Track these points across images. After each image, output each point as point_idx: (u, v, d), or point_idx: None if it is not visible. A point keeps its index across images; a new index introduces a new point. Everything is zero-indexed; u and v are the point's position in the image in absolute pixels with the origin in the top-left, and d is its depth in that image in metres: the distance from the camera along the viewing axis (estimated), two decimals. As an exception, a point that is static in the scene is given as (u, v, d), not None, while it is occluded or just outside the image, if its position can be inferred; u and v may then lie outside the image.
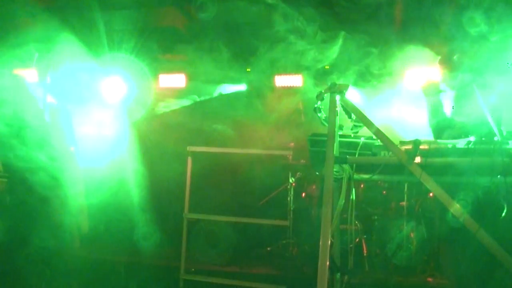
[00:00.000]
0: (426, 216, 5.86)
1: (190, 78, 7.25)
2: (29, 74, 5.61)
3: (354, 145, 3.46)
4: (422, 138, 3.17)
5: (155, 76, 7.14)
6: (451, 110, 3.83)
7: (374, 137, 3.35)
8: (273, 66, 6.46)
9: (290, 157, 6.49)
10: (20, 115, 4.09)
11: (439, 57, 4.04)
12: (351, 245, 3.56)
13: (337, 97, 3.32)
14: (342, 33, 5.44)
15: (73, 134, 5.07)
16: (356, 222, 5.68)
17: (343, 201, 3.35)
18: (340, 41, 5.48)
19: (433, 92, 3.90)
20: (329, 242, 3.05)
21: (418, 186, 5.64)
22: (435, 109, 3.87)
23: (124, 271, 5.61)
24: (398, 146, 3.24)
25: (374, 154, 3.38)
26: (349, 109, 3.39)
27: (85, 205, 5.09)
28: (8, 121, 4.01)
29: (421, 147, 3.11)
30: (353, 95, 5.11)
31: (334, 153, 3.22)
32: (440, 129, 3.82)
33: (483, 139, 3.20)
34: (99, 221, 5.50)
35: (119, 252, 5.94)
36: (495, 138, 3.16)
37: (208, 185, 6.71)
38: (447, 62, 3.86)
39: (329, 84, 3.35)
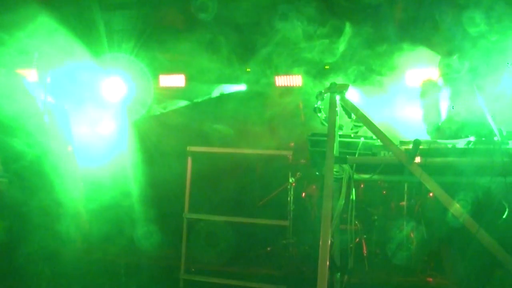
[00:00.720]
0: (426, 216, 5.85)
1: (190, 78, 7.25)
2: (29, 74, 5.62)
3: (354, 145, 3.45)
4: (422, 138, 3.17)
5: (155, 76, 7.14)
6: (451, 110, 3.83)
7: (374, 137, 3.35)
8: (273, 66, 6.46)
9: (290, 157, 6.48)
10: (20, 115, 4.10)
11: (439, 58, 4.05)
12: (351, 245, 3.56)
13: (337, 97, 3.32)
14: (344, 30, 5.43)
15: (71, 134, 5.07)
16: (356, 222, 5.67)
17: (343, 201, 3.35)
18: (340, 39, 5.48)
19: (429, 93, 3.91)
20: (329, 242, 3.05)
21: (418, 186, 5.64)
22: (431, 110, 3.88)
23: (124, 271, 5.60)
24: (398, 146, 3.24)
25: (374, 154, 3.39)
26: (349, 109, 3.39)
27: (84, 205, 5.09)
28: (8, 122, 4.01)
29: (421, 147, 3.12)
30: (353, 94, 5.10)
31: (334, 153, 3.22)
32: (439, 129, 3.82)
33: (483, 139, 3.20)
34: (99, 221, 5.51)
35: (119, 252, 5.93)
36: (495, 138, 3.16)
37: (208, 185, 6.71)
38: (447, 62, 3.86)
39: (329, 84, 3.35)
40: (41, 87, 5.23)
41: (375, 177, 3.37)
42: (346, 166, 3.35)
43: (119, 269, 5.62)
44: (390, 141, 3.16)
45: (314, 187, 6.73)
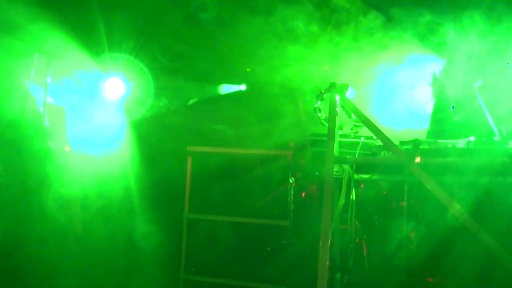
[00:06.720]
0: (426, 216, 5.85)
1: (190, 78, 7.24)
2: (29, 75, 5.61)
3: (354, 145, 3.46)
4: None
5: (155, 76, 7.13)
6: (450, 110, 3.84)
7: (374, 137, 3.35)
8: (272, 66, 6.46)
9: (290, 157, 6.48)
10: (19, 116, 4.10)
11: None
12: (351, 245, 3.56)
13: (337, 97, 3.32)
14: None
15: (68, 134, 5.07)
16: (356, 222, 5.66)
17: (343, 201, 3.35)
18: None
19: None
20: (329, 242, 3.06)
21: (418, 186, 5.64)
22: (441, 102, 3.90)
23: (124, 271, 5.60)
24: (398, 146, 3.24)
25: (374, 154, 3.39)
26: (349, 109, 3.40)
27: (83, 205, 5.10)
28: (8, 123, 4.01)
29: (421, 147, 3.12)
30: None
31: (334, 153, 3.23)
32: (440, 129, 3.83)
33: (483, 139, 3.20)
34: (98, 221, 5.50)
35: (119, 252, 5.93)
36: (495, 138, 3.17)
37: (208, 185, 6.71)
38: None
39: (329, 84, 3.35)
40: (40, 88, 5.23)
41: (375, 177, 3.37)
42: (346, 166, 3.35)
43: (119, 269, 5.62)
44: (390, 141, 3.16)
45: (314, 187, 6.73)
